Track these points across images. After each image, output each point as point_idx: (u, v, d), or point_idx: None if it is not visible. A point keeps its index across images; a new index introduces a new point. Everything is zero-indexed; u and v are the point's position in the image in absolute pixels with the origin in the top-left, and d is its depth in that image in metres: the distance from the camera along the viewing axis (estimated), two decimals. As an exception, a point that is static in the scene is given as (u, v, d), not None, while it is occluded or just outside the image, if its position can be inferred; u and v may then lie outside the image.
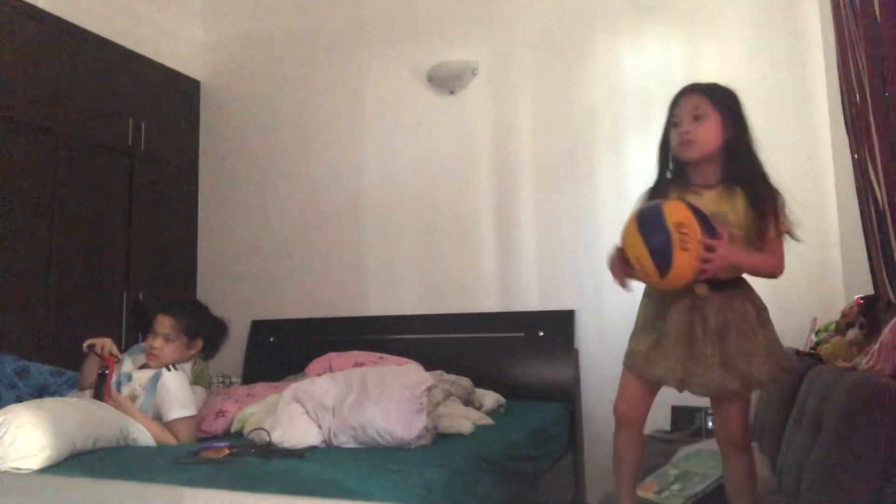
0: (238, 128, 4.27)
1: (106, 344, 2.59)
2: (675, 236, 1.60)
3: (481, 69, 3.76)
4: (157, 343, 2.61)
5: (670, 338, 1.78)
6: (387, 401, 2.34)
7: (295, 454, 2.13)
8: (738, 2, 3.37)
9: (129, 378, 2.57)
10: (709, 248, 1.61)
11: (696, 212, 1.66)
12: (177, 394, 2.52)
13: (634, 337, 1.90)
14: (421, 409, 2.35)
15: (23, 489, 1.68)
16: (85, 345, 2.61)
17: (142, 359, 2.66)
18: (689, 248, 1.60)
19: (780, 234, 1.77)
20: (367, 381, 2.47)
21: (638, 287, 3.32)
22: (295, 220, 4.07)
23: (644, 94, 3.45)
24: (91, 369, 2.59)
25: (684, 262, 1.61)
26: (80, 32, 3.51)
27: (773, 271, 1.80)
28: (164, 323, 2.64)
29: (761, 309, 1.81)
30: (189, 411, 2.52)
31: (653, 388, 1.91)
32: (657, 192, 1.87)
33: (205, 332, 2.74)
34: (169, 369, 2.56)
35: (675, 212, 1.65)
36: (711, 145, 1.75)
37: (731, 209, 1.74)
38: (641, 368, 1.84)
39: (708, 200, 1.75)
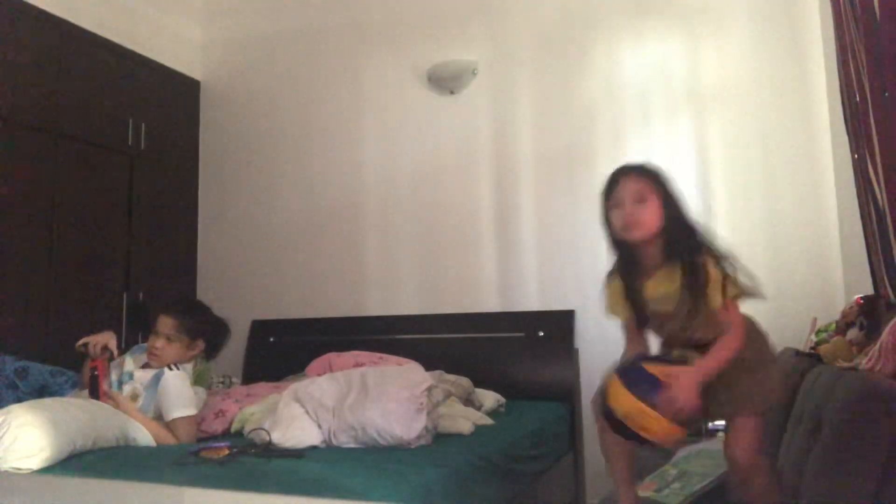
0: (238, 128, 4.27)
1: (101, 341, 2.58)
2: (633, 427, 1.69)
3: (481, 69, 3.76)
4: (159, 343, 2.61)
5: None
6: (387, 401, 2.34)
7: (295, 454, 2.13)
8: (738, 2, 3.37)
9: (131, 377, 2.57)
10: (675, 411, 1.66)
11: (630, 381, 1.72)
12: (178, 393, 2.52)
13: None
14: (421, 409, 2.35)
15: (23, 489, 1.68)
16: (78, 345, 2.60)
17: (143, 358, 2.66)
18: (650, 426, 1.67)
19: (732, 300, 1.76)
20: (367, 381, 2.47)
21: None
22: (295, 220, 4.07)
23: (643, 94, 3.46)
24: (87, 370, 2.60)
25: (661, 429, 1.68)
26: (79, 32, 3.51)
27: (737, 346, 1.76)
28: (165, 323, 2.63)
29: (746, 357, 1.78)
30: (190, 411, 2.52)
31: None
32: (613, 274, 1.96)
33: (206, 333, 2.74)
34: (171, 369, 2.56)
35: (617, 403, 1.72)
36: (654, 226, 1.79)
37: (677, 286, 1.77)
38: None
39: (656, 281, 1.81)
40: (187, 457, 2.02)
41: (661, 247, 1.81)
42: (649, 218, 1.79)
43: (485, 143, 3.73)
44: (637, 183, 1.82)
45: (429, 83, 3.84)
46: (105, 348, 2.59)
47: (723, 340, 1.75)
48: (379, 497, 1.70)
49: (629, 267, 1.88)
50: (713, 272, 1.74)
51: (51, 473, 1.93)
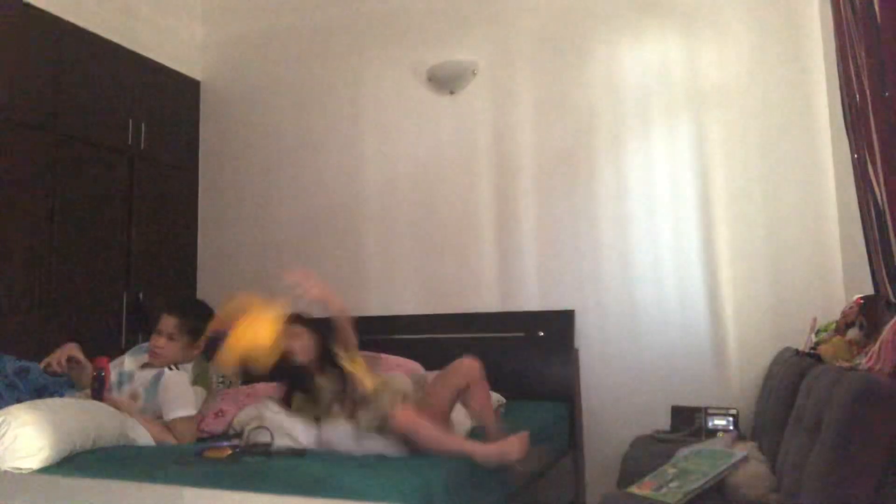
0: (238, 128, 4.27)
1: (62, 355, 2.56)
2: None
3: (481, 69, 3.76)
4: (160, 342, 2.61)
5: None
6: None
7: (298, 453, 2.13)
8: (738, 2, 3.37)
9: (131, 377, 2.57)
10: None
11: None
12: (178, 393, 2.52)
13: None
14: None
15: (23, 489, 1.68)
16: (42, 366, 2.59)
17: (143, 358, 2.66)
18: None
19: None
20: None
21: (637, 289, 3.33)
22: (295, 219, 4.07)
23: (643, 94, 3.46)
24: (78, 375, 2.59)
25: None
26: (80, 32, 3.51)
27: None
28: (168, 322, 2.64)
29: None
30: (190, 411, 2.53)
31: None
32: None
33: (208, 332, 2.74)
34: (171, 369, 2.57)
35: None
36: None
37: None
38: None
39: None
40: (190, 457, 2.02)
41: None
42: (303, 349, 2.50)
43: (485, 143, 3.73)
44: (294, 326, 2.50)
45: (429, 83, 3.84)
46: (70, 359, 2.57)
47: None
48: (379, 497, 1.70)
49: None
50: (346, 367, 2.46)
51: (51, 473, 1.93)
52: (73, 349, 2.60)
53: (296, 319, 2.54)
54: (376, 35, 4.01)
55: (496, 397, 3.14)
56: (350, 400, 2.35)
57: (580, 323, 3.46)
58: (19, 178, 3.18)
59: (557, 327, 3.44)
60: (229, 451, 2.06)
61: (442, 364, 3.23)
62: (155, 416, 2.50)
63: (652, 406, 3.23)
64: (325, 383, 2.41)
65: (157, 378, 2.54)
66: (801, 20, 3.27)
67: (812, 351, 2.41)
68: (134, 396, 2.52)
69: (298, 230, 4.05)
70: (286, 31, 4.24)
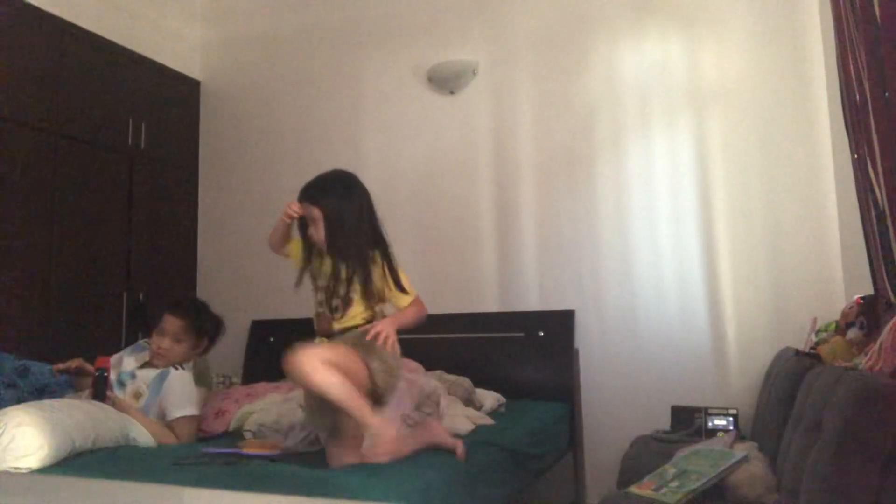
0: (238, 128, 4.27)
1: (78, 362, 2.60)
2: None
3: (481, 69, 3.76)
4: (165, 343, 2.60)
5: None
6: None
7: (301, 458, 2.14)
8: (738, 2, 3.37)
9: (132, 376, 2.57)
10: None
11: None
12: (182, 393, 2.52)
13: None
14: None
15: (23, 489, 1.68)
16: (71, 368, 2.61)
17: (144, 356, 2.65)
18: None
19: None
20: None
21: (637, 289, 3.33)
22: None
23: (643, 94, 3.46)
24: (79, 380, 2.59)
25: None
26: (79, 32, 3.51)
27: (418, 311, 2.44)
28: (173, 324, 2.62)
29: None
30: (193, 410, 2.53)
31: None
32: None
33: (210, 331, 2.75)
34: (176, 368, 2.57)
35: None
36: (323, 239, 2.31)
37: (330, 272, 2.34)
38: None
39: (324, 262, 2.36)
40: (231, 457, 2.04)
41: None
42: (319, 235, 2.34)
43: (485, 143, 3.73)
44: (307, 208, 2.37)
45: (429, 83, 3.84)
46: (79, 367, 2.59)
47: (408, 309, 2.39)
48: (379, 497, 1.70)
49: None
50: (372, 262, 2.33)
51: (51, 473, 1.93)
52: (82, 362, 2.62)
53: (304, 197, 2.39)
54: (376, 35, 4.01)
55: (496, 397, 3.15)
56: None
57: (580, 323, 3.46)
58: (19, 178, 3.18)
59: (557, 327, 3.44)
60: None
61: (441, 364, 3.25)
62: (157, 415, 2.51)
63: (652, 406, 3.23)
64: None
65: (162, 377, 2.54)
66: (801, 20, 3.27)
67: (812, 351, 2.41)
68: (136, 395, 2.52)
69: (298, 230, 4.05)
70: (286, 31, 4.24)
